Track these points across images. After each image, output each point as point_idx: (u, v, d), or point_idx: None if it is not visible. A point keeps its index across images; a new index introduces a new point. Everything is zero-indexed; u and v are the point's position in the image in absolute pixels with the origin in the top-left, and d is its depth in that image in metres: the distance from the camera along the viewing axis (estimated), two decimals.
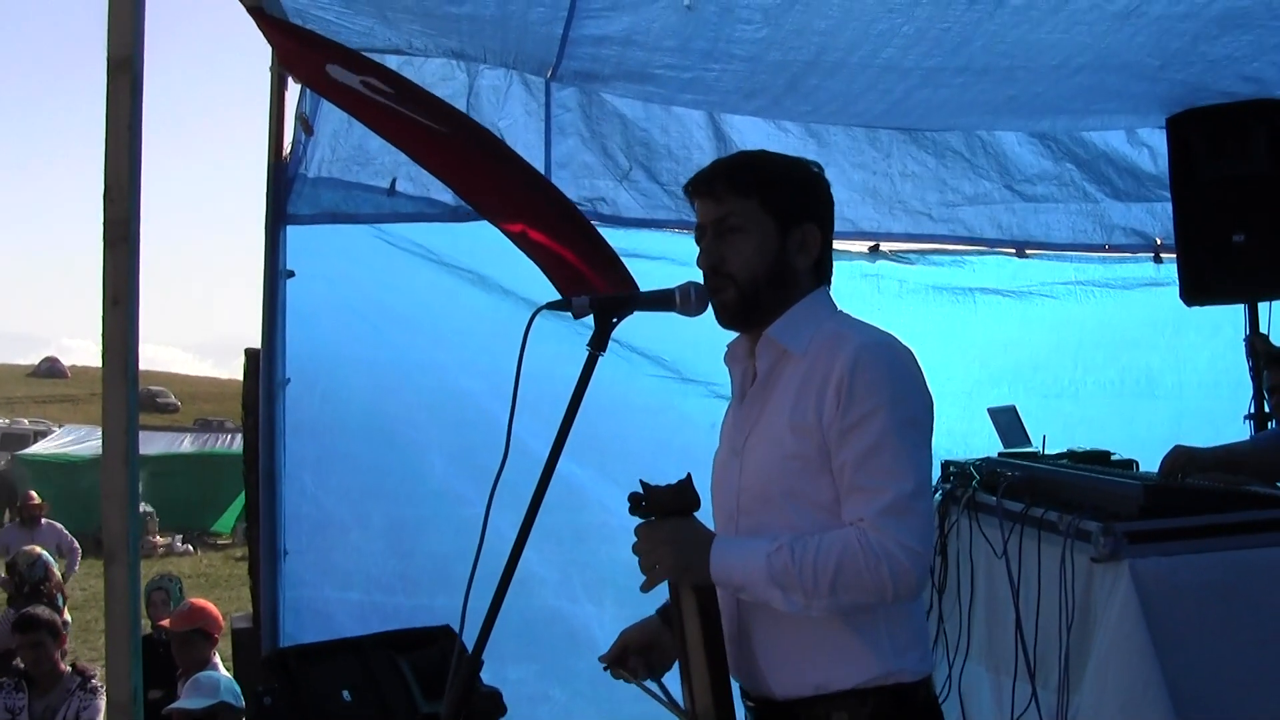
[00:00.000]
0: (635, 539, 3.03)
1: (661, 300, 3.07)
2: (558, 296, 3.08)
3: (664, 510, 2.99)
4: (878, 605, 2.87)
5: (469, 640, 3.02)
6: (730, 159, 3.27)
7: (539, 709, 6.22)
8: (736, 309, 3.13)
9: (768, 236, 3.08)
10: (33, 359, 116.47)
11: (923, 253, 6.90)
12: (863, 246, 6.77)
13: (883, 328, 3.11)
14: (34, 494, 17.00)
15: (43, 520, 16.00)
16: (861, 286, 6.78)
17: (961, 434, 6.55)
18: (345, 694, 5.31)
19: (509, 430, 3.03)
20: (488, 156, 5.18)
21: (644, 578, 3.03)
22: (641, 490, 3.01)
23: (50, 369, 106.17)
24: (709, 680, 3.00)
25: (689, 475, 3.01)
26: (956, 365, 6.83)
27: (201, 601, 7.51)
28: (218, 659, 7.03)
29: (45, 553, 10.24)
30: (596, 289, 4.93)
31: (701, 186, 3.16)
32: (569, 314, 3.05)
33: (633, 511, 3.01)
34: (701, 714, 3.03)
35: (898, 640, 2.97)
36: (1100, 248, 6.93)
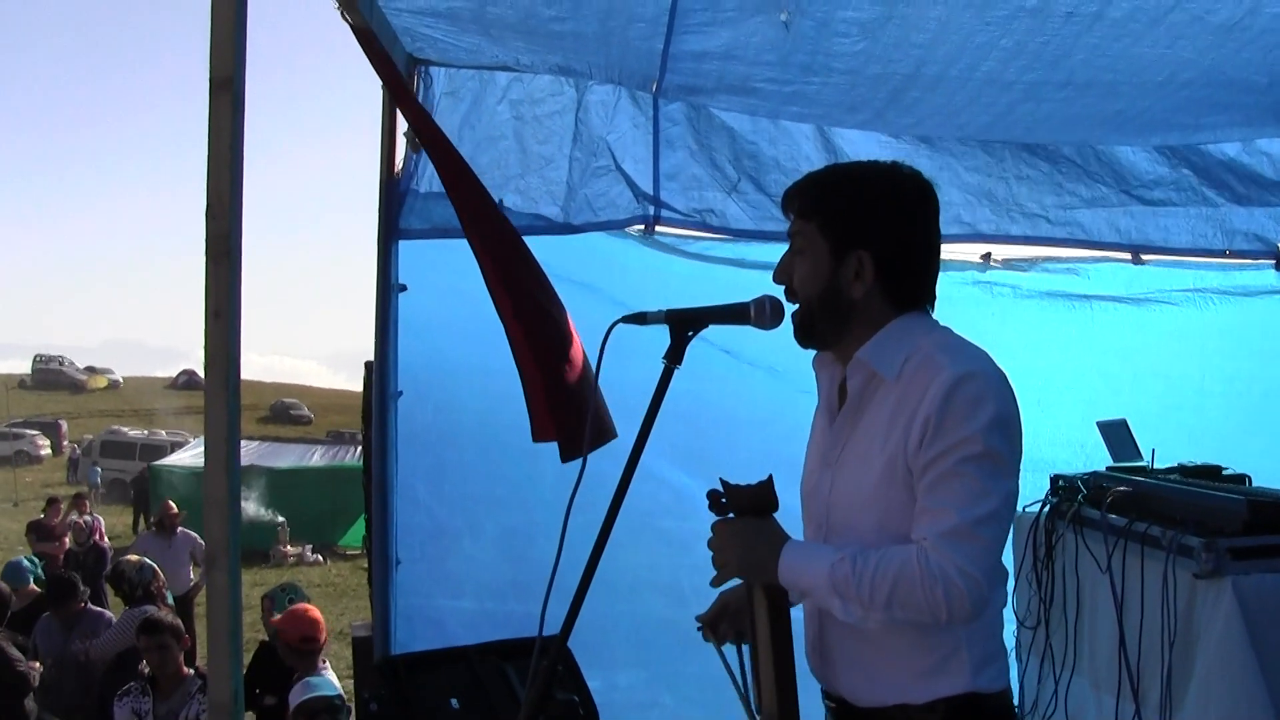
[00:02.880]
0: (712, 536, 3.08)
1: (737, 314, 3.10)
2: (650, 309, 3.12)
3: (742, 509, 3.04)
4: (944, 625, 2.88)
5: (575, 649, 3.09)
6: (810, 176, 3.28)
7: (649, 714, 6.26)
8: (800, 328, 3.20)
9: (821, 261, 3.13)
10: (171, 371, 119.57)
11: (1035, 260, 6.79)
12: (974, 254, 6.68)
13: (979, 346, 3.10)
14: (171, 503, 17.38)
15: (179, 529, 16.37)
16: (974, 293, 6.68)
17: (1079, 444, 6.43)
18: (453, 702, 5.38)
19: (585, 440, 3.09)
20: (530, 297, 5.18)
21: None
22: (721, 488, 3.05)
23: (188, 382, 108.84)
24: (774, 680, 3.05)
25: (770, 477, 3.05)
26: (1073, 374, 6.68)
27: (302, 607, 7.67)
28: (325, 665, 7.18)
29: (146, 559, 10.48)
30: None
31: (782, 201, 3.21)
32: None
33: (712, 508, 3.06)
34: (766, 713, 3.07)
35: (975, 657, 2.99)
36: (1220, 253, 6.73)
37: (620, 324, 3.06)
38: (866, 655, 3.07)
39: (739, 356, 6.27)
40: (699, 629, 3.55)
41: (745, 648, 3.40)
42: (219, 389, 3.27)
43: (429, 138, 5.09)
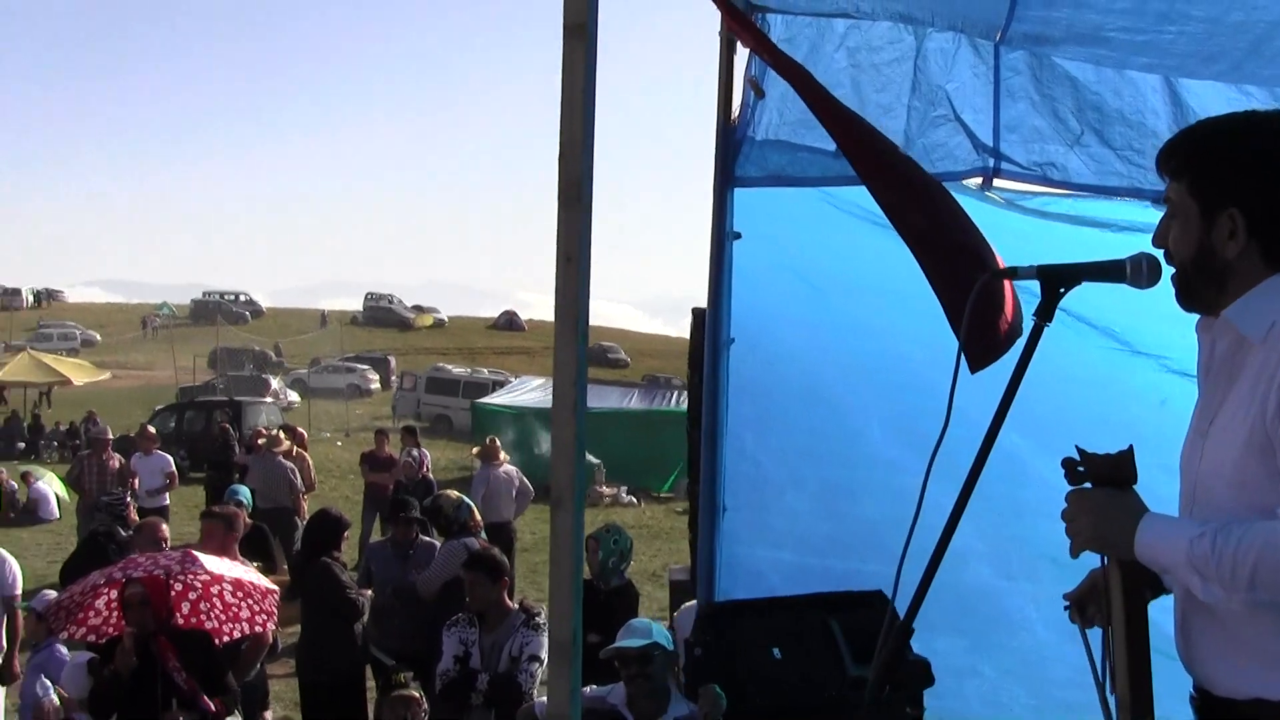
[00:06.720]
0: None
1: (1112, 271, 2.96)
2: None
3: (1099, 479, 2.91)
4: None
5: (900, 608, 3.02)
6: (1181, 133, 3.12)
7: (966, 683, 6.14)
8: (1180, 293, 3.04)
9: (1191, 222, 2.95)
10: (492, 312, 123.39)
11: None
12: None
13: None
14: (494, 438, 17.87)
15: (502, 464, 16.85)
16: None
17: None
18: (775, 651, 5.38)
19: (950, 397, 3.01)
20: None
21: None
22: (1078, 456, 2.93)
23: (508, 322, 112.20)
24: (1127, 663, 2.91)
25: (1130, 447, 2.91)
26: None
27: None
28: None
29: (465, 497, 10.71)
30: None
31: (1156, 162, 3.05)
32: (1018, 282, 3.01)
33: (1068, 477, 2.94)
34: (1120, 696, 2.94)
35: None
36: None
37: (989, 279, 2.95)
38: (1222, 639, 2.88)
39: (1075, 314, 6.06)
40: (1066, 608, 3.40)
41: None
42: (569, 334, 3.30)
43: (785, 68, 5.02)
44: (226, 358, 74.86)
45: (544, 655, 7.23)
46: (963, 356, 3.03)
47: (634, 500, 29.57)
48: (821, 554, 6.21)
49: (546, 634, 7.24)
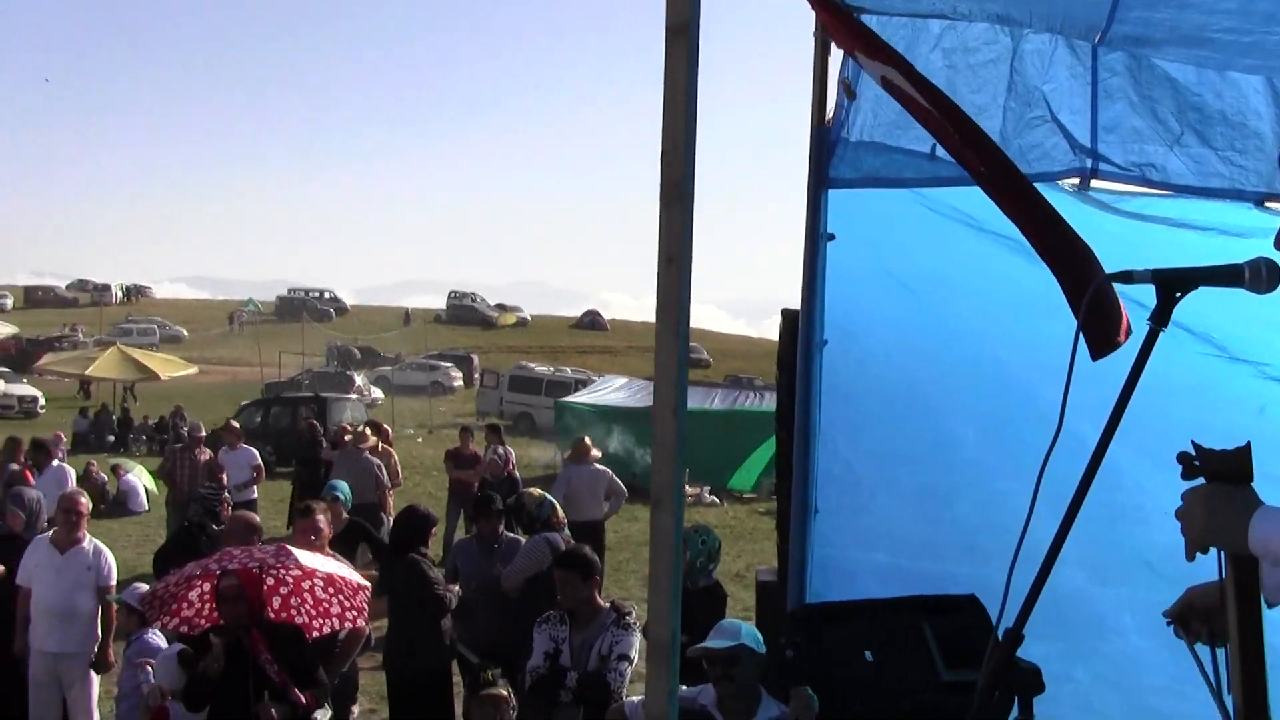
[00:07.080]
0: (1173, 519, 2.91)
1: (1229, 275, 2.90)
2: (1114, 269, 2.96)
3: (1213, 474, 2.86)
4: None
5: (993, 613, 2.99)
6: None
7: (1061, 688, 6.06)
8: None
9: None
10: (575, 311, 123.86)
11: None
12: None
13: None
14: (586, 439, 17.94)
15: (592, 463, 16.96)
16: None
17: None
18: (867, 654, 5.35)
19: (1063, 406, 2.97)
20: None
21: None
22: (1194, 451, 2.89)
23: (591, 322, 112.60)
24: (1240, 662, 2.85)
25: (1248, 444, 2.85)
26: None
27: None
28: None
29: (548, 494, 10.75)
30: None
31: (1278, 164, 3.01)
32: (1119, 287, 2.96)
33: (1184, 473, 2.89)
34: (1235, 699, 2.88)
35: None
36: None
37: (1103, 283, 2.92)
38: None
39: (1172, 318, 5.97)
40: (1168, 624, 3.35)
41: (1220, 651, 3.17)
42: (670, 334, 3.30)
43: (886, 56, 4.97)
44: (318, 352, 76.29)
45: (633, 655, 7.22)
46: (1076, 358, 2.99)
47: (716, 500, 29.52)
48: (915, 556, 6.17)
49: (636, 634, 7.24)
